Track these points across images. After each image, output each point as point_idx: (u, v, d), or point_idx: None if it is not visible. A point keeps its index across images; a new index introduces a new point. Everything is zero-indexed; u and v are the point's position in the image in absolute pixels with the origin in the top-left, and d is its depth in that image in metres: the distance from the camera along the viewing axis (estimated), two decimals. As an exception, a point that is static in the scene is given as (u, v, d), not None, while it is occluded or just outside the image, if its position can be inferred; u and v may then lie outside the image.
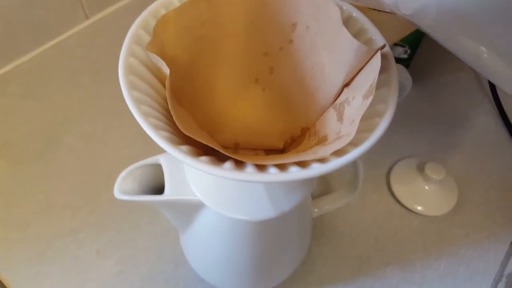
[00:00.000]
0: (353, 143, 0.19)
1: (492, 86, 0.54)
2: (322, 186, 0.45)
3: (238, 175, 0.17)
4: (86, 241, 0.40)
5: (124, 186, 0.27)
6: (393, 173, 0.46)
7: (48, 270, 0.38)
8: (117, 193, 0.27)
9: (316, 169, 0.18)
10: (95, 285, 0.37)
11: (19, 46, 0.52)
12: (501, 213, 0.44)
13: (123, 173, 0.27)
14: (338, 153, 0.19)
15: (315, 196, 0.39)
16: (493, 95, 0.53)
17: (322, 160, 0.18)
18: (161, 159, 0.28)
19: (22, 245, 0.39)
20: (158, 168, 0.29)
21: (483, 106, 0.53)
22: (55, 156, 0.45)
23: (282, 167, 0.18)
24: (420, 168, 0.44)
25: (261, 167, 0.18)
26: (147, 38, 0.22)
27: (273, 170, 0.18)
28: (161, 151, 0.28)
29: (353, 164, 0.33)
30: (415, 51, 0.51)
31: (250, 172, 0.18)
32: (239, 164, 0.19)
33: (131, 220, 0.41)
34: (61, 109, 0.49)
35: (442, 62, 0.58)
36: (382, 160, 0.47)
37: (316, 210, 0.37)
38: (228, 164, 0.18)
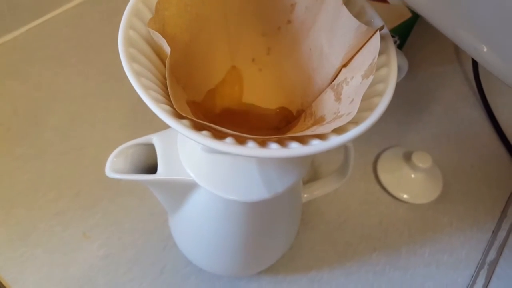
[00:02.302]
0: (353, 122, 0.19)
1: (478, 80, 0.55)
2: (311, 173, 0.45)
3: (240, 149, 0.17)
4: (72, 223, 0.39)
5: (115, 165, 0.27)
6: (380, 161, 0.46)
7: (33, 252, 0.37)
8: (109, 172, 0.26)
9: (317, 146, 0.18)
10: (81, 268, 0.37)
11: (3, 24, 0.51)
12: (483, 203, 0.45)
13: (115, 152, 0.27)
14: (338, 131, 0.19)
15: (304, 183, 0.39)
16: (478, 88, 0.54)
17: (322, 138, 0.18)
18: (153, 139, 0.28)
19: (6, 227, 0.38)
20: (150, 147, 0.28)
21: (469, 99, 0.54)
22: (40, 137, 0.44)
23: (282, 143, 0.18)
24: (407, 157, 0.45)
25: (261, 143, 0.18)
26: (146, 12, 0.21)
27: (274, 146, 0.18)
28: (149, 133, 0.28)
29: (345, 148, 0.34)
30: (405, 42, 0.51)
31: (251, 147, 0.17)
32: (239, 141, 0.18)
33: (118, 203, 0.41)
34: (47, 89, 0.48)
35: (430, 54, 0.58)
36: (369, 148, 0.48)
37: (306, 195, 0.37)
38: (229, 139, 0.18)
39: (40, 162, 0.43)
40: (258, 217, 0.29)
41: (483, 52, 0.21)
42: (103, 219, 0.40)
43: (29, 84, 0.48)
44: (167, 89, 0.20)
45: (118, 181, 0.42)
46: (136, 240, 0.39)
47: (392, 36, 0.50)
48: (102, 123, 0.46)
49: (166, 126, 0.29)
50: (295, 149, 0.18)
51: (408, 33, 0.50)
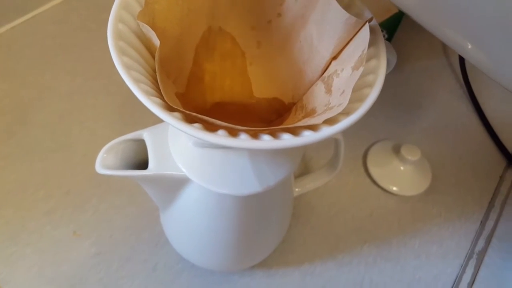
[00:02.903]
0: (344, 113, 0.19)
1: (464, 73, 0.55)
2: (302, 168, 0.45)
3: (232, 141, 0.17)
4: (62, 222, 0.39)
5: (106, 161, 0.27)
6: (369, 155, 0.47)
7: (23, 251, 0.37)
8: (99, 168, 0.26)
9: (309, 137, 0.18)
10: (73, 266, 0.37)
11: (-13, 22, 0.50)
12: (472, 194, 0.46)
13: (105, 148, 0.27)
14: (330, 122, 0.19)
15: (295, 177, 0.39)
16: (465, 81, 0.55)
17: (314, 129, 0.19)
18: (144, 134, 0.28)
19: (-5, 226, 0.38)
20: (141, 143, 0.28)
21: (455, 92, 0.55)
22: (28, 135, 0.44)
23: (274, 135, 0.18)
24: (396, 150, 0.45)
25: (253, 135, 0.18)
26: (135, 5, 0.21)
27: (266, 138, 0.18)
28: (138, 129, 0.28)
29: (335, 142, 0.34)
30: (392, 36, 0.52)
31: (244, 139, 0.17)
32: (231, 133, 0.18)
33: (108, 201, 0.41)
34: (34, 87, 0.47)
35: (418, 49, 0.59)
36: (359, 142, 0.48)
37: (297, 189, 0.38)
38: (222, 132, 0.18)
39: (28, 161, 0.42)
40: (250, 211, 0.29)
41: (468, 49, 0.22)
42: (93, 217, 0.39)
43: (15, 82, 0.48)
44: (157, 82, 0.20)
45: (108, 178, 0.42)
46: (128, 237, 0.39)
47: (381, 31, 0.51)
48: (91, 120, 0.46)
49: (155, 123, 0.29)
50: (287, 140, 0.18)
51: (395, 27, 0.51)
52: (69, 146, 0.44)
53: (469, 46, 0.21)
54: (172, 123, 0.17)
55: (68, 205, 0.40)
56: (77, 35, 0.53)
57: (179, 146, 0.27)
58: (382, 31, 0.50)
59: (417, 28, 0.61)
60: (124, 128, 0.45)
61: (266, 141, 0.18)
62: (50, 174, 0.42)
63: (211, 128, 0.18)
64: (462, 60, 0.57)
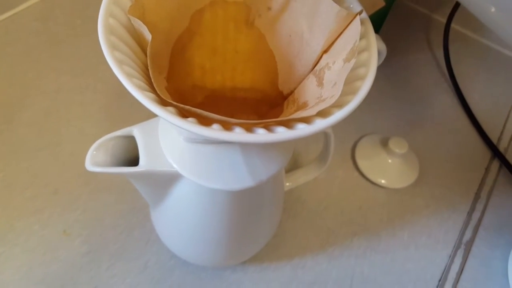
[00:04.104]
0: (337, 105, 0.19)
1: (449, 67, 0.56)
2: (291, 163, 0.45)
3: (227, 135, 0.17)
4: (50, 221, 0.38)
5: (96, 158, 0.27)
6: (357, 148, 0.47)
7: (12, 252, 0.36)
8: (89, 165, 0.26)
9: (303, 130, 0.18)
10: (63, 266, 0.36)
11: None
12: (459, 185, 0.46)
13: (95, 144, 0.26)
14: (323, 114, 0.19)
15: (286, 172, 0.39)
16: (450, 75, 0.56)
17: (307, 121, 0.19)
18: (134, 131, 0.28)
19: (-19, 227, 0.37)
20: (131, 140, 0.28)
21: (441, 85, 0.55)
22: (14, 134, 0.43)
23: (268, 128, 0.18)
24: (384, 143, 0.46)
25: (248, 129, 0.18)
26: (125, 0, 0.21)
27: (261, 131, 0.18)
28: (127, 126, 0.28)
29: (325, 135, 0.34)
30: (378, 31, 0.52)
31: (239, 133, 0.17)
32: (225, 127, 0.18)
33: (98, 199, 0.40)
34: (18, 85, 0.47)
35: (403, 43, 0.59)
36: (347, 136, 0.48)
37: (288, 184, 0.38)
38: (216, 125, 0.18)
39: (15, 160, 0.42)
40: (242, 206, 0.29)
41: (490, 13, 0.21)
42: (83, 216, 0.39)
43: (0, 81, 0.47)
44: (148, 77, 0.20)
45: (97, 176, 0.41)
46: (118, 235, 0.38)
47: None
48: (78, 118, 0.45)
49: (143, 120, 0.28)
50: (281, 133, 0.18)
51: (381, 22, 0.51)
52: (56, 145, 0.43)
53: (492, 10, 0.21)
54: (167, 117, 0.17)
55: (56, 204, 0.39)
56: (62, 31, 0.52)
57: (170, 142, 0.27)
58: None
59: (402, 23, 0.61)
60: (112, 125, 0.44)
61: (261, 135, 0.18)
62: (37, 173, 0.41)
63: (204, 122, 0.18)
64: (447, 54, 0.57)
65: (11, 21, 0.52)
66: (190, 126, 0.17)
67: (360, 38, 0.22)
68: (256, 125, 0.19)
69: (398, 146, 0.44)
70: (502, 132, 0.52)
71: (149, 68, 0.19)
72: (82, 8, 0.55)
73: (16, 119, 0.44)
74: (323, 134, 0.34)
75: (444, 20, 0.62)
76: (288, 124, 0.19)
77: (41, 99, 0.46)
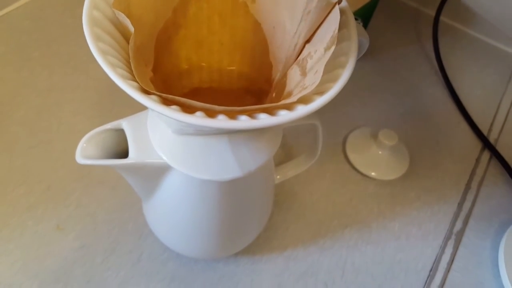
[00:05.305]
0: (319, 93, 0.20)
1: (439, 59, 0.57)
2: (282, 156, 0.46)
3: (210, 122, 0.18)
4: (44, 217, 0.39)
5: (86, 151, 0.27)
6: (348, 141, 0.48)
7: (5, 247, 0.37)
8: (79, 158, 0.26)
9: (284, 116, 0.18)
10: (57, 260, 0.37)
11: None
12: (449, 176, 0.47)
13: (85, 138, 0.27)
14: (305, 101, 0.19)
15: (276, 165, 0.40)
16: (439, 67, 0.56)
17: (289, 108, 0.19)
18: (123, 124, 0.28)
19: (-25, 224, 0.38)
20: (120, 133, 0.28)
21: (431, 78, 0.56)
22: (6, 132, 0.43)
23: (251, 116, 0.19)
24: (374, 136, 0.46)
25: (231, 116, 0.19)
26: (110, -7, 0.21)
27: (244, 118, 0.18)
28: (118, 119, 0.28)
29: (313, 127, 0.34)
30: (367, 25, 0.53)
31: (222, 119, 0.18)
32: (209, 114, 0.19)
33: (91, 194, 0.40)
34: (10, 84, 0.47)
35: (392, 36, 0.60)
36: (338, 129, 0.49)
37: (278, 176, 0.38)
38: (199, 113, 0.18)
39: (7, 157, 0.42)
40: (232, 197, 0.30)
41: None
42: (76, 211, 0.39)
43: (-8, 79, 0.47)
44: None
45: (89, 172, 0.42)
46: (111, 229, 0.39)
47: (355, 19, 0.52)
48: (69, 115, 0.45)
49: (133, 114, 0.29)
50: (263, 119, 0.18)
51: (370, 15, 0.52)
52: (48, 142, 0.43)
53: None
54: (150, 105, 0.18)
55: (49, 200, 0.40)
56: (53, 30, 0.52)
57: (159, 134, 0.27)
58: (356, 19, 0.51)
59: (391, 16, 0.62)
60: (103, 122, 0.43)
61: (243, 121, 0.18)
62: (30, 170, 0.41)
63: (189, 111, 0.19)
64: (436, 46, 0.58)
65: (3, 20, 0.52)
66: (174, 113, 0.18)
67: (341, 28, 0.22)
68: (240, 112, 0.19)
69: (388, 138, 0.44)
70: (492, 124, 0.52)
71: (130, 60, 0.20)
72: (73, 7, 0.55)
73: (9, 117, 0.44)
74: (312, 127, 0.35)
75: (433, 13, 0.63)
76: (271, 111, 0.19)
77: (33, 97, 0.46)
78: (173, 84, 0.26)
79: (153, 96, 0.18)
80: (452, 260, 0.41)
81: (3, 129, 0.44)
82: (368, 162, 0.46)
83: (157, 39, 0.25)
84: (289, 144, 0.47)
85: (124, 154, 0.28)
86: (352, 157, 0.46)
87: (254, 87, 0.28)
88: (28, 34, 0.52)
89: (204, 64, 0.27)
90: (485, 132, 0.51)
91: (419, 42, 0.60)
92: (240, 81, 0.28)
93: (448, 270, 0.40)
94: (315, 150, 0.36)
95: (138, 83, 0.19)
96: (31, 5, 0.55)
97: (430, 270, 0.40)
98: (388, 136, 0.44)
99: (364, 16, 0.51)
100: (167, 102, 0.19)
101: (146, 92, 0.19)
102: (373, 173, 0.45)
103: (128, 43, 0.22)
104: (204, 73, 0.27)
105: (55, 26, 0.53)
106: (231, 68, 0.28)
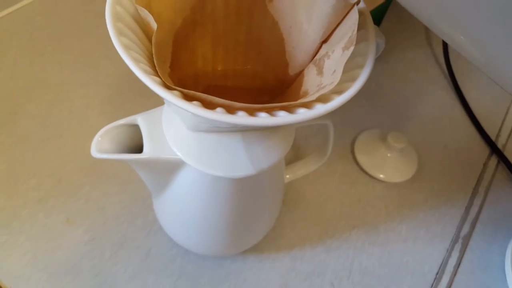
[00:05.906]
0: (337, 92, 0.20)
1: (448, 63, 0.57)
2: (291, 155, 0.46)
3: (231, 118, 0.18)
4: (54, 210, 0.39)
5: (101, 145, 0.27)
6: (357, 143, 0.48)
7: (16, 239, 0.37)
8: (94, 152, 0.27)
9: (304, 114, 0.19)
10: (66, 253, 0.37)
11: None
12: (456, 181, 0.47)
13: (100, 132, 0.27)
14: (323, 100, 0.19)
15: (286, 164, 0.40)
16: (448, 71, 0.56)
17: (308, 106, 0.19)
18: (138, 119, 0.28)
19: (-14, 215, 0.38)
20: (135, 128, 0.28)
21: (440, 82, 0.56)
22: (18, 125, 0.44)
23: (270, 113, 0.19)
24: (383, 138, 0.46)
25: (250, 113, 0.19)
26: (132, -11, 0.22)
27: (263, 115, 0.19)
28: (129, 115, 0.28)
29: (325, 127, 0.35)
30: (378, 27, 0.53)
31: (242, 116, 0.18)
32: (229, 111, 0.19)
33: (100, 189, 0.41)
34: (22, 78, 0.47)
35: (402, 39, 0.60)
36: (347, 131, 0.49)
37: (288, 176, 0.38)
38: (220, 109, 0.18)
39: (19, 150, 0.42)
40: (244, 195, 0.30)
41: (460, 41, 0.22)
42: (86, 205, 0.40)
43: (4, 73, 0.47)
44: (153, 64, 0.21)
45: (100, 167, 0.42)
46: (121, 224, 0.39)
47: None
48: (81, 110, 0.46)
49: (146, 110, 0.29)
50: (283, 117, 0.18)
51: (381, 18, 0.52)
52: (59, 136, 0.44)
53: (461, 38, 0.21)
54: (173, 100, 0.18)
55: (60, 193, 0.40)
56: (65, 26, 0.53)
57: (173, 130, 0.27)
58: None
59: (402, 19, 0.62)
60: (115, 117, 0.44)
61: (264, 118, 0.18)
62: (41, 163, 0.42)
63: (208, 107, 0.19)
64: (446, 50, 0.58)
65: (15, 15, 0.53)
66: (195, 109, 0.18)
67: (359, 29, 0.22)
68: (259, 109, 0.19)
69: (397, 140, 0.44)
70: (500, 129, 0.52)
71: (153, 56, 0.20)
72: (84, 4, 0.55)
73: (21, 111, 0.45)
74: (323, 127, 0.35)
75: (443, 18, 0.63)
76: (290, 109, 0.19)
77: (45, 91, 0.47)
78: (189, 81, 0.27)
79: (175, 92, 0.18)
80: (459, 264, 0.41)
81: (15, 123, 0.44)
82: (376, 164, 0.46)
83: (175, 36, 0.25)
84: (298, 144, 0.47)
85: (137, 149, 0.28)
86: (360, 158, 0.46)
87: (268, 86, 0.28)
88: (40, 29, 0.52)
89: (219, 62, 0.27)
90: (493, 137, 0.51)
91: (429, 45, 0.60)
92: (254, 79, 0.28)
93: (454, 273, 0.40)
94: (326, 150, 0.37)
95: (161, 78, 0.19)
96: (43, 1, 0.55)
97: (437, 273, 0.40)
98: (397, 138, 0.45)
99: (375, 18, 0.51)
100: (187, 98, 0.19)
101: (167, 87, 0.19)
102: (381, 175, 0.45)
103: (148, 39, 0.22)
104: (219, 71, 0.27)
105: (67, 22, 0.53)
106: (246, 66, 0.28)
